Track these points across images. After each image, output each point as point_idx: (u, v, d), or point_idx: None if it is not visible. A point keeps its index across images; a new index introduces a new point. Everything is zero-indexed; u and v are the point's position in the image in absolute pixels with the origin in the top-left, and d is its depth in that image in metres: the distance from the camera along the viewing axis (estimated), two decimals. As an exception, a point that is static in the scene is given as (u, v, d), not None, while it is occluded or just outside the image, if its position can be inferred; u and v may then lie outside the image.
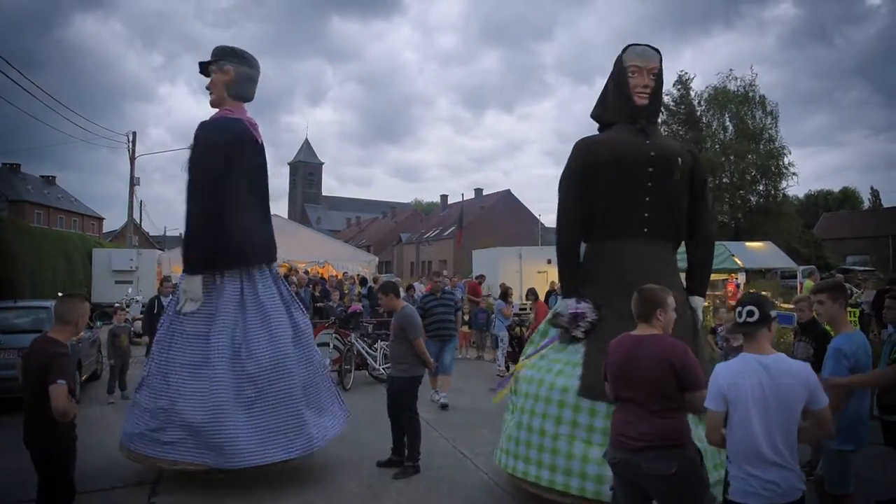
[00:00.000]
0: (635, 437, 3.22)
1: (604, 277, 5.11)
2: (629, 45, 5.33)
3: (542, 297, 13.60)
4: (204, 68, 6.08)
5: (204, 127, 5.83)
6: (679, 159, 5.14)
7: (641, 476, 3.23)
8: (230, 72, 6.02)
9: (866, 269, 33.67)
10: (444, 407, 8.68)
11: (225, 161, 5.68)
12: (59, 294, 4.88)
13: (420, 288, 16.12)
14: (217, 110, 6.06)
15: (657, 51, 5.30)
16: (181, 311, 5.67)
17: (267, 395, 5.48)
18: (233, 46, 6.19)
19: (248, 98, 6.23)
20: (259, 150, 6.08)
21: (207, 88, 6.09)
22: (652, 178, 5.07)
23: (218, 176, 5.66)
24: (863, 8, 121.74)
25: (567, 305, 5.07)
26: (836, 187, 69.66)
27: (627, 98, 5.22)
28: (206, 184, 5.66)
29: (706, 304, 5.99)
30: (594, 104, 5.69)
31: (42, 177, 57.89)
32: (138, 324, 13.14)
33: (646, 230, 5.12)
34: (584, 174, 5.18)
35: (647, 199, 5.08)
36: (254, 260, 5.96)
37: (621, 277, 4.90)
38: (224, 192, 5.69)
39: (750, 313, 3.00)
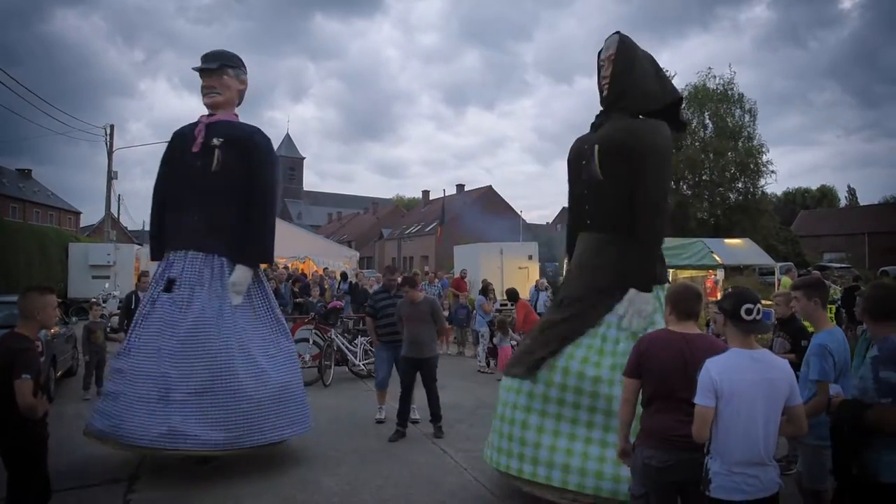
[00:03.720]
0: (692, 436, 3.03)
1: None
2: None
3: (525, 295, 13.65)
4: (217, 68, 6.10)
5: (263, 135, 6.25)
6: (595, 147, 5.18)
7: (697, 475, 3.04)
8: (245, 83, 6.44)
9: (843, 266, 34.25)
10: (414, 422, 7.47)
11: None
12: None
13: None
14: (214, 110, 6.19)
15: (617, 33, 5.36)
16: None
17: None
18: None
19: None
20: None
21: (212, 86, 6.12)
22: (583, 170, 5.30)
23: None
24: (835, 11, 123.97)
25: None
26: (813, 185, 70.72)
27: (600, 92, 5.44)
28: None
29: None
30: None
31: (18, 170, 56.80)
32: (115, 319, 12.96)
33: (588, 222, 5.32)
34: None
35: (584, 191, 5.33)
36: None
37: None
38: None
39: (758, 311, 2.99)
